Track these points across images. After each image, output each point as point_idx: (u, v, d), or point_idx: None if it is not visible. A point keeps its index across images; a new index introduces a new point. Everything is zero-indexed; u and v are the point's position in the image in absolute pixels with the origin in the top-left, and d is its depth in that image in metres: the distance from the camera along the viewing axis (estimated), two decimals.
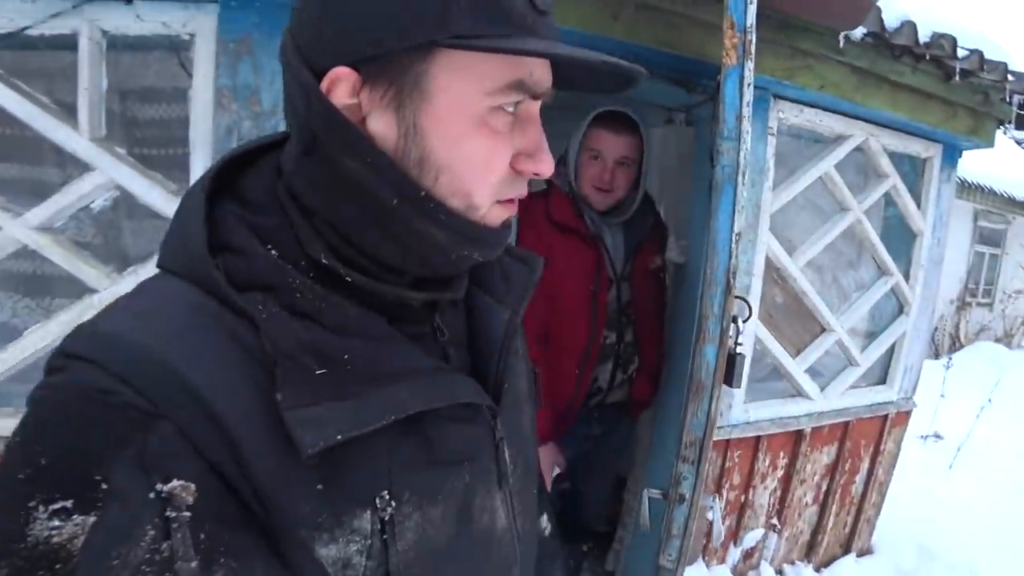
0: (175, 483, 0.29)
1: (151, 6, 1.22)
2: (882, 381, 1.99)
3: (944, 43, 1.53)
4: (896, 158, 1.87)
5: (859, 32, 1.40)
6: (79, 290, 1.34)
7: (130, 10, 1.22)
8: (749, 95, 0.96)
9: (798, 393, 1.77)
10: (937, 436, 3.47)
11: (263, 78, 1.24)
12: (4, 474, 0.29)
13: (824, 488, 1.92)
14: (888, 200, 1.91)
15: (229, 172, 0.41)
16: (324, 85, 0.35)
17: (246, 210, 0.38)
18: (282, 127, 1.17)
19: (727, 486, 1.71)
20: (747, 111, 0.96)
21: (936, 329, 6.39)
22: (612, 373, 1.49)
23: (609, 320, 1.46)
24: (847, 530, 2.04)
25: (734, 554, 1.79)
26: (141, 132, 1.45)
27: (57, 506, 0.27)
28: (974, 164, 5.12)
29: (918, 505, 2.34)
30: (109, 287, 1.30)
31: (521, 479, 0.50)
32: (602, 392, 1.51)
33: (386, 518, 0.36)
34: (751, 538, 1.82)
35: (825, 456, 1.88)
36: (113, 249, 1.56)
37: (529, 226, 1.43)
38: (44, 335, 1.32)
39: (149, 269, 1.31)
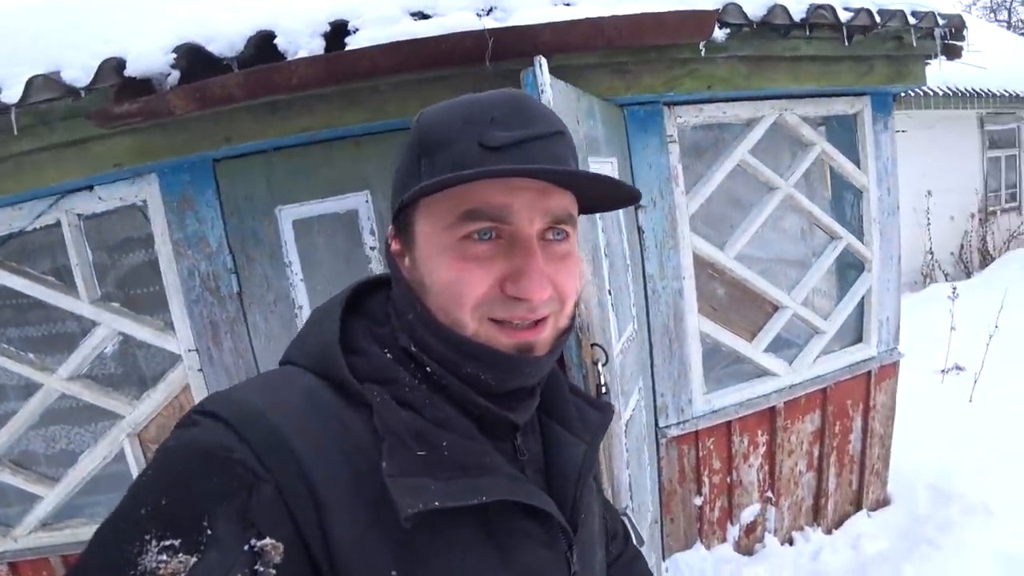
0: (267, 541, 0.34)
1: (107, 188, 1.56)
2: (859, 340, 2.08)
3: (823, 12, 1.61)
4: (823, 123, 1.94)
5: (721, 34, 1.51)
6: (113, 416, 1.72)
7: (93, 195, 1.56)
8: None
9: (764, 373, 1.91)
10: (958, 368, 3.33)
11: (206, 224, 1.55)
12: (128, 505, 0.36)
13: (816, 454, 2.06)
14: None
15: (360, 295, 0.52)
16: (388, 234, 0.50)
17: (370, 322, 0.49)
18: (228, 262, 1.45)
19: (707, 472, 1.89)
20: None
21: (962, 248, 6.03)
22: None
23: None
24: (854, 488, 2.16)
25: (733, 532, 1.98)
26: (128, 275, 1.80)
27: (167, 543, 0.33)
28: (968, 72, 4.72)
29: (936, 446, 2.39)
30: (131, 412, 1.67)
31: None
32: None
33: None
34: (748, 514, 1.99)
35: (809, 424, 2.01)
36: (132, 373, 1.95)
37: None
38: (94, 458, 1.72)
39: (160, 391, 1.67)
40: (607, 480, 1.29)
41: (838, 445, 2.09)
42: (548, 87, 1.12)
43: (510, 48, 1.31)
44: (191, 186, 1.54)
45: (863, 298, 2.04)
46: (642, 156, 1.69)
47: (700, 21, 1.37)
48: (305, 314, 1.68)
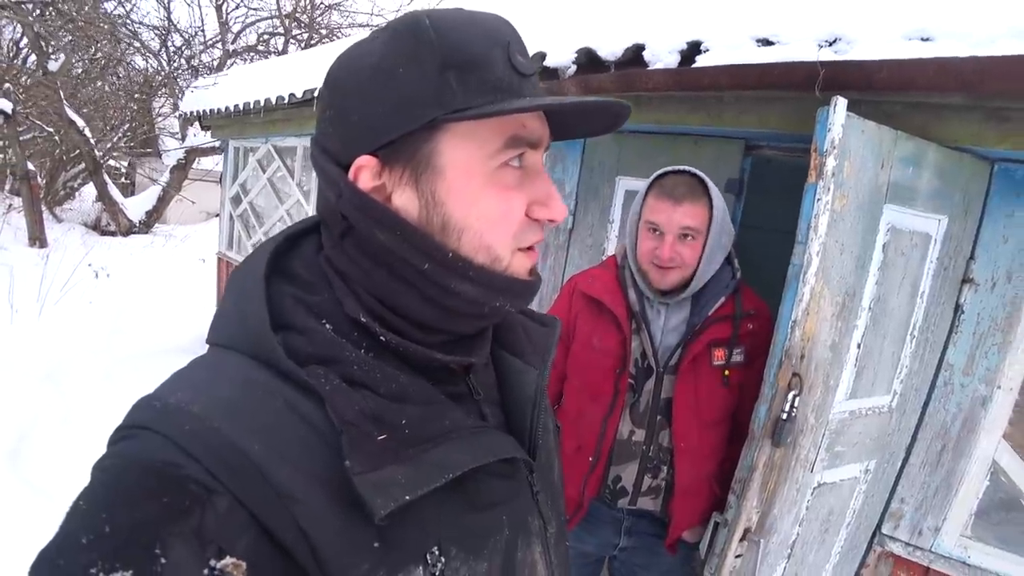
0: (227, 560, 0.35)
1: None
2: None
3: None
4: None
5: None
6: None
7: None
8: (819, 209, 1.22)
9: None
10: None
11: (567, 174, 2.25)
12: (67, 537, 0.34)
13: None
14: None
15: (278, 256, 0.49)
16: (351, 174, 0.45)
17: (299, 289, 0.47)
18: (572, 207, 2.20)
19: None
20: (815, 222, 1.22)
21: None
22: (638, 476, 1.43)
23: (639, 415, 1.41)
24: None
25: None
26: None
27: (117, 575, 0.32)
28: None
29: None
30: None
31: (556, 532, 0.57)
32: (627, 494, 1.45)
33: (436, 573, 0.42)
34: None
35: None
36: None
37: (564, 294, 1.52)
38: None
39: None
40: (755, 509, 1.41)
41: None
42: (839, 127, 1.26)
43: (842, 81, 1.43)
44: (564, 145, 2.25)
45: None
46: (998, 224, 1.48)
47: None
48: None
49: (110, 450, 0.39)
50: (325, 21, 10.36)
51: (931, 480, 1.58)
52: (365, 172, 0.46)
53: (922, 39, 1.33)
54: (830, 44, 1.45)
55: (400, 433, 0.43)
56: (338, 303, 0.47)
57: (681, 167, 1.40)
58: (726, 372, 1.39)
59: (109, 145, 8.79)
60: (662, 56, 1.72)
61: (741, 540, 1.43)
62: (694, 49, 1.67)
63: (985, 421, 1.51)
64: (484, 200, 0.45)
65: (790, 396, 1.32)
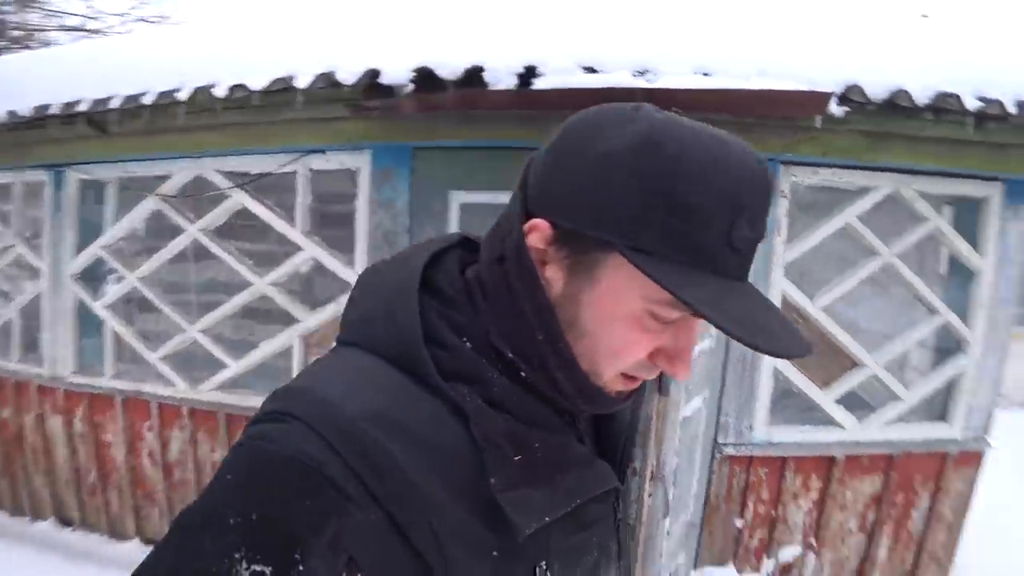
0: None
1: (335, 154, 2.32)
2: (941, 418, 2.27)
3: (949, 99, 1.92)
4: (945, 201, 2.21)
5: (840, 110, 1.87)
6: (289, 319, 2.48)
7: (324, 157, 2.34)
8: None
9: (830, 423, 2.21)
10: None
11: (397, 193, 2.25)
12: (214, 512, 0.38)
13: (871, 519, 2.28)
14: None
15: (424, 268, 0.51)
16: (527, 226, 0.46)
17: (443, 305, 0.49)
18: (406, 224, 2.15)
19: (753, 499, 2.23)
20: None
21: None
22: None
23: None
24: (907, 566, 2.33)
25: (768, 565, 2.28)
26: (330, 219, 2.58)
27: (258, 568, 0.35)
28: None
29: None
30: (306, 319, 2.42)
31: (626, 561, 0.62)
32: None
33: None
34: (787, 553, 2.28)
35: (868, 486, 2.25)
36: (307, 295, 2.74)
37: None
38: (269, 345, 2.49)
39: (329, 311, 2.39)
40: (654, 453, 1.74)
41: (897, 517, 2.29)
42: None
43: (653, 104, 1.83)
44: (394, 163, 2.25)
45: (959, 382, 2.25)
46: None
47: (817, 100, 1.79)
48: None
49: (258, 428, 0.41)
50: (21, 21, 7.41)
51: (740, 393, 2.18)
52: (537, 233, 0.46)
53: (704, 74, 1.81)
54: (642, 74, 1.84)
55: (533, 456, 0.46)
56: (478, 324, 0.49)
57: None
58: None
59: None
60: (502, 77, 1.89)
61: (651, 481, 1.75)
62: (530, 72, 1.89)
63: None
64: (616, 328, 0.45)
65: None
